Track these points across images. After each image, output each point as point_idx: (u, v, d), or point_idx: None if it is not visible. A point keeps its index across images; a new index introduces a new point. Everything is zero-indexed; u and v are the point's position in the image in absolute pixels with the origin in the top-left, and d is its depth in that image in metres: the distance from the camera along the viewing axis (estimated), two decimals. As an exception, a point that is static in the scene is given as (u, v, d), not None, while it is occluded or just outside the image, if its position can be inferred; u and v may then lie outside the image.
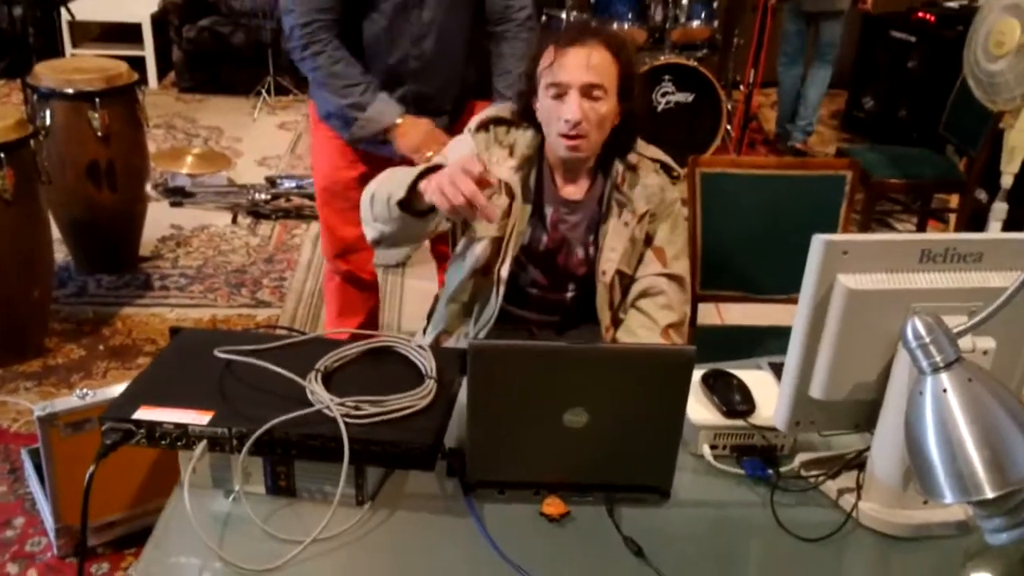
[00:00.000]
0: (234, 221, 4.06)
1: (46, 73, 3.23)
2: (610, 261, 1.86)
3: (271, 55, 5.52)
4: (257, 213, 4.12)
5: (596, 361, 1.25)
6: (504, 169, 1.82)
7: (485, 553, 1.24)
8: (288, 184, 4.19)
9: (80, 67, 3.32)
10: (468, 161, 1.51)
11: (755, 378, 1.51)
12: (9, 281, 2.84)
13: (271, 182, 4.21)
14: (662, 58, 4.60)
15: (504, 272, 1.85)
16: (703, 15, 4.86)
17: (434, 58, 2.29)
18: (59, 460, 2.06)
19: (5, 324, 2.90)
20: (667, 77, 4.61)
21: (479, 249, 1.85)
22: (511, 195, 1.81)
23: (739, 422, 1.44)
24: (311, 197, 4.11)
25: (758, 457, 1.42)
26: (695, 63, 4.61)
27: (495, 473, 1.32)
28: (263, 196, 4.13)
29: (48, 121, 3.14)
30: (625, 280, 1.90)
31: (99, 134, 3.21)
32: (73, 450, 2.04)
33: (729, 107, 4.96)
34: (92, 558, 2.15)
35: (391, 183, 1.66)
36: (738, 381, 1.49)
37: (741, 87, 5.22)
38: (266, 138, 5.15)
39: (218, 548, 1.23)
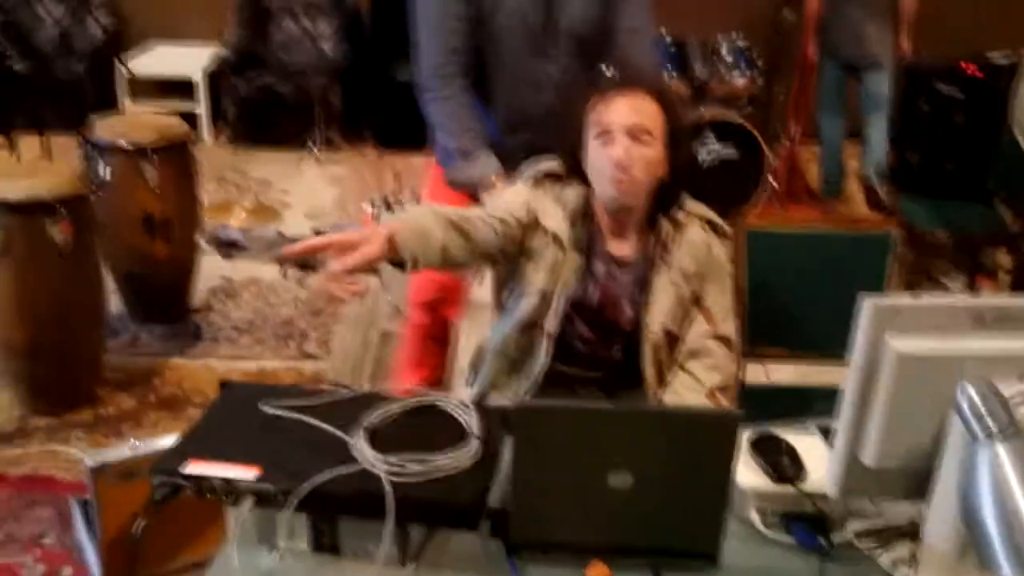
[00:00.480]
0: (283, 274, 4.13)
1: (103, 127, 3.34)
2: (656, 319, 1.85)
3: (319, 109, 5.66)
4: (305, 265, 4.18)
5: (641, 423, 1.25)
6: (556, 221, 1.84)
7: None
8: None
9: (136, 122, 3.42)
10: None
11: (804, 442, 1.49)
12: (64, 332, 2.91)
13: (318, 234, 4.28)
14: (704, 112, 4.62)
15: (551, 326, 1.85)
16: (745, 68, 4.88)
17: (555, 109, 2.29)
18: (107, 510, 2.08)
19: (58, 374, 2.97)
20: (710, 131, 4.63)
21: (526, 302, 1.86)
22: (561, 247, 1.83)
23: (788, 488, 1.41)
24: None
25: (808, 524, 1.39)
26: (738, 117, 4.62)
27: (539, 534, 1.31)
28: (310, 248, 4.19)
29: (104, 174, 3.23)
30: (672, 339, 1.89)
31: (154, 188, 3.30)
32: (122, 499, 2.06)
33: (773, 160, 4.95)
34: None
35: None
36: (787, 445, 1.47)
37: (784, 140, 5.22)
38: (313, 191, 5.24)
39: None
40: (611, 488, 1.25)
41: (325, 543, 1.33)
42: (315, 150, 5.73)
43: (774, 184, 5.02)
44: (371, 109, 5.91)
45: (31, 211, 2.75)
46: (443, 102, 2.29)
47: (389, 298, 3.76)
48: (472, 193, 2.24)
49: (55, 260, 2.79)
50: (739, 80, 4.88)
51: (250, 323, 3.70)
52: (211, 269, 4.00)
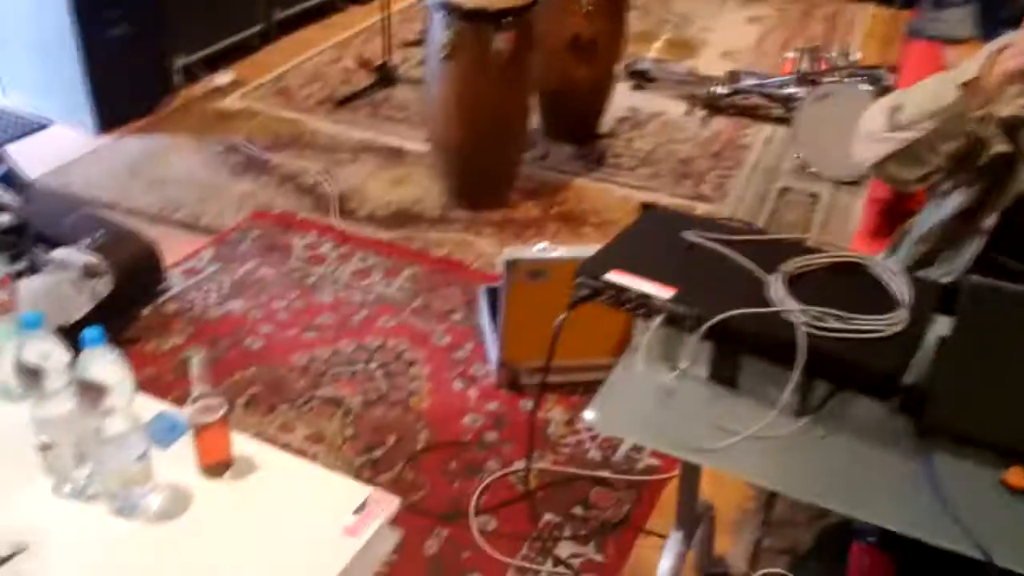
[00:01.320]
0: (689, 112, 4.09)
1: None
2: None
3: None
4: (712, 106, 4.11)
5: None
6: (1013, 107, 1.60)
7: (926, 504, 1.16)
8: (749, 81, 4.10)
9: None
10: None
11: None
12: (493, 136, 3.15)
13: (732, 77, 4.15)
14: None
15: (989, 224, 1.66)
16: None
17: None
18: (512, 303, 2.29)
19: (481, 174, 3.25)
20: None
21: (964, 196, 1.69)
22: (1016, 140, 1.60)
23: None
24: (769, 97, 3.99)
25: None
26: None
27: (958, 423, 1.22)
28: (722, 90, 4.09)
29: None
30: None
31: (588, 9, 3.37)
32: (525, 296, 2.25)
33: None
34: (522, 393, 2.40)
35: (928, 86, 1.59)
36: None
37: None
38: (735, 31, 5.05)
39: (658, 415, 1.30)
40: (1060, 394, 1.11)
41: (725, 375, 1.35)
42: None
43: None
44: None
45: (480, 19, 2.94)
46: None
47: (798, 155, 3.59)
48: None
49: (495, 68, 2.99)
50: None
51: (650, 156, 3.74)
52: (622, 98, 4.06)
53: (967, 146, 1.60)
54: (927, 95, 1.62)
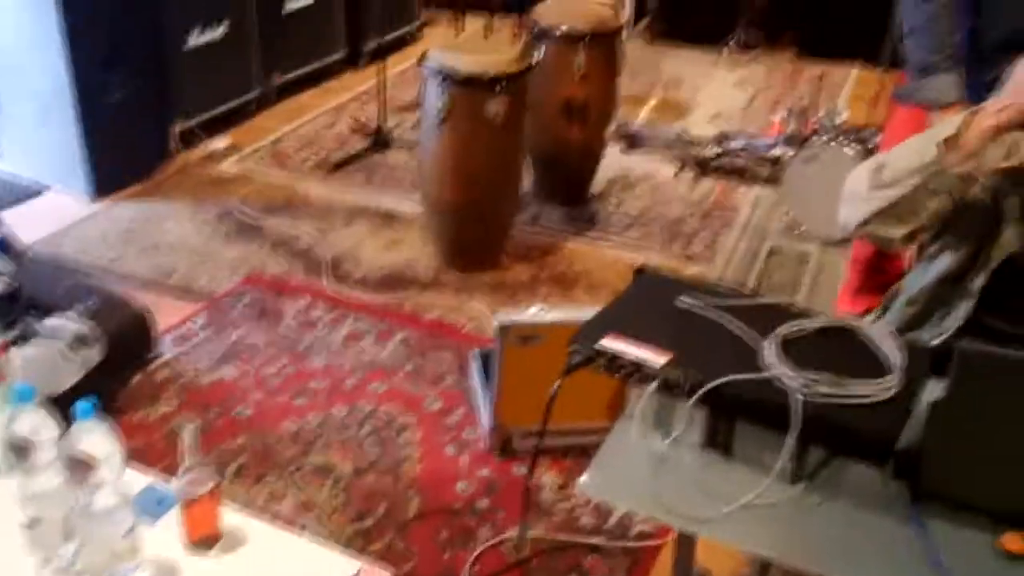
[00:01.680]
0: (679, 173, 4.14)
1: (545, 13, 3.52)
2: None
3: (742, 6, 5.49)
4: (702, 168, 4.16)
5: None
6: (993, 161, 1.63)
7: (922, 571, 1.15)
8: (737, 143, 4.16)
9: (573, 10, 3.55)
10: None
11: None
12: (487, 198, 3.18)
13: (721, 138, 4.21)
14: None
15: (977, 285, 1.68)
16: None
17: None
18: (506, 367, 2.29)
19: (474, 236, 3.27)
20: None
21: (952, 258, 1.70)
22: (1000, 200, 1.62)
23: None
24: (758, 158, 4.05)
25: None
26: None
27: (952, 488, 1.21)
28: (711, 151, 4.15)
29: (538, 56, 3.41)
30: None
31: (580, 74, 3.44)
32: (518, 360, 2.25)
33: None
34: (515, 458, 2.39)
35: (911, 145, 1.61)
36: None
37: None
38: (723, 93, 5.14)
39: (652, 482, 1.29)
40: (1054, 460, 1.11)
41: (719, 441, 1.34)
42: (732, 50, 5.59)
43: None
44: (797, 10, 5.62)
45: (475, 84, 2.99)
46: (924, 3, 2.02)
47: (788, 212, 3.63)
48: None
49: (489, 132, 3.03)
50: None
51: (640, 217, 3.78)
52: (612, 160, 4.12)
53: (951, 205, 1.62)
54: (909, 153, 1.65)
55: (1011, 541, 1.17)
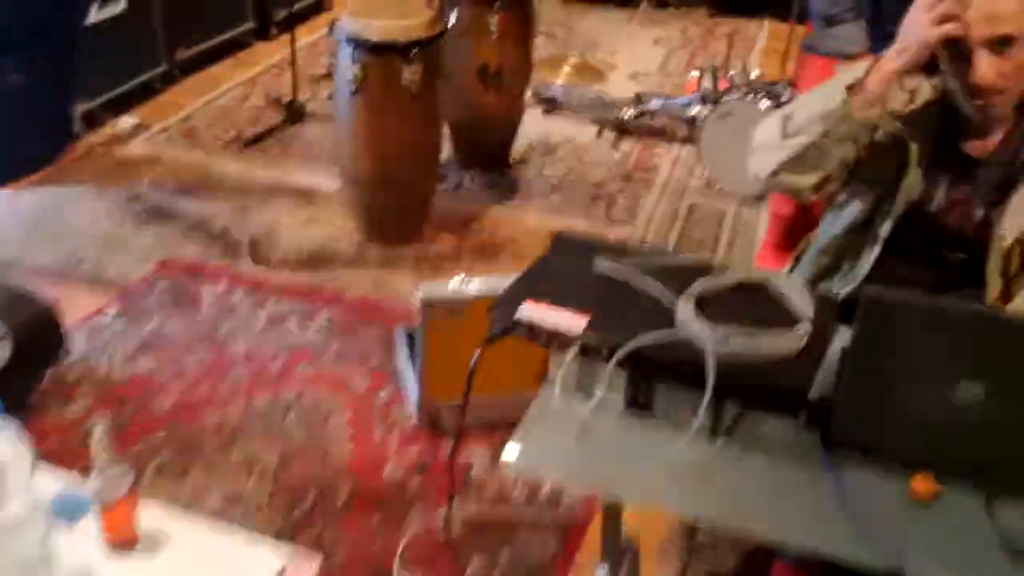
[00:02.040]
0: (599, 135, 4.14)
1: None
2: (1015, 225, 1.63)
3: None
4: (621, 129, 4.17)
5: (1011, 334, 1.11)
6: (899, 103, 1.66)
7: (838, 521, 1.17)
8: (656, 103, 4.18)
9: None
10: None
11: None
12: (405, 169, 3.13)
13: (639, 99, 4.23)
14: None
15: (884, 231, 1.71)
16: None
17: None
18: (430, 342, 2.27)
19: (395, 208, 3.23)
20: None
21: (859, 205, 1.74)
22: (904, 146, 1.65)
23: None
24: (675, 117, 4.07)
25: None
26: None
27: (863, 435, 1.24)
28: (630, 113, 4.16)
29: (450, 20, 3.36)
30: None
31: (494, 37, 3.40)
32: (443, 333, 2.23)
33: None
34: (445, 435, 2.37)
35: (816, 93, 1.62)
36: None
37: None
38: (639, 53, 5.16)
39: (576, 451, 1.29)
40: (957, 398, 1.14)
41: (640, 401, 1.35)
42: (647, 8, 5.59)
43: None
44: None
45: (388, 51, 2.93)
46: None
47: (705, 171, 3.66)
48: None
49: (404, 100, 2.98)
50: None
51: (562, 181, 3.78)
52: (532, 125, 4.10)
53: (856, 153, 1.64)
54: (814, 101, 1.67)
55: (920, 483, 1.20)
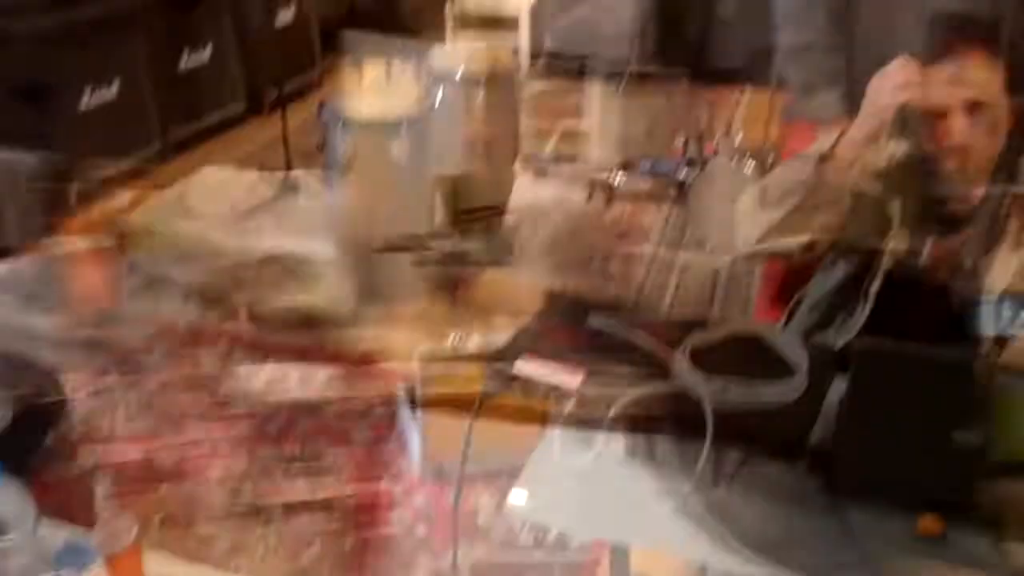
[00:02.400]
0: (589, 198, 4.22)
1: (442, 56, 3.56)
2: (1002, 280, 1.68)
3: (634, 40, 5.66)
4: (611, 192, 4.24)
5: (1004, 382, 1.15)
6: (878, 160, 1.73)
7: (846, 561, 1.19)
8: (644, 166, 4.27)
9: (469, 53, 3.62)
10: None
11: None
12: (399, 237, 3.19)
13: (628, 163, 4.32)
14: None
15: (874, 288, 1.76)
16: None
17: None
18: (430, 398, 2.29)
19: (391, 273, 3.27)
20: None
21: (849, 263, 1.79)
22: (886, 205, 1.71)
23: None
24: (665, 181, 4.17)
25: None
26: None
27: (865, 478, 1.26)
28: (619, 177, 4.24)
29: (436, 99, 3.46)
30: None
31: (480, 113, 3.49)
32: (442, 389, 2.25)
33: None
34: (448, 484, 2.37)
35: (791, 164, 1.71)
36: None
37: None
38: (623, 124, 5.26)
39: (580, 498, 1.31)
40: (954, 442, 1.17)
41: (640, 452, 1.37)
42: (624, 83, 5.73)
43: None
44: (687, 44, 5.82)
45: (376, 128, 3.04)
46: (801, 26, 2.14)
47: (696, 230, 3.73)
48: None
49: (394, 173, 3.09)
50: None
51: (555, 243, 3.84)
52: (524, 191, 4.17)
53: (838, 216, 1.70)
54: (787, 173, 1.73)
55: (928, 523, 1.21)
